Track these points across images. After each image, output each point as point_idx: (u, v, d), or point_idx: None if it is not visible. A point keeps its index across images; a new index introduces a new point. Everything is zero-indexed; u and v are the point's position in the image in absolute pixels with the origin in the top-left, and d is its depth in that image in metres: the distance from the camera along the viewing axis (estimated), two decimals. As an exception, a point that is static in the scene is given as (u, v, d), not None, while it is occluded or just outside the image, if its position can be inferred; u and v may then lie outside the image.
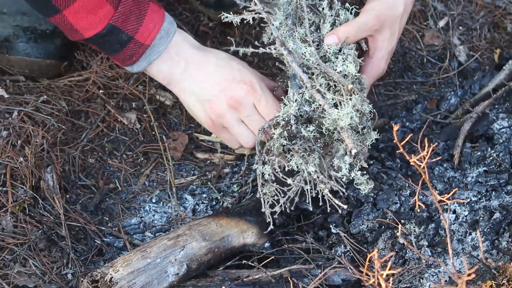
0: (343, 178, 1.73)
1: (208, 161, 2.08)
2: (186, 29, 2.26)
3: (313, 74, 1.73)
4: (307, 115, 1.75)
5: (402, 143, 1.42)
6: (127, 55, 1.72)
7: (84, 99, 2.12)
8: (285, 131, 1.73)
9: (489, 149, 2.00)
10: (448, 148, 2.04)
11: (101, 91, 2.13)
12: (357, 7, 1.81)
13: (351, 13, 1.80)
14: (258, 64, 2.25)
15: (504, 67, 2.19)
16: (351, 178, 1.73)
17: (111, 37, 1.69)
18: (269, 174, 1.74)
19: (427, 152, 1.32)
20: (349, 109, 1.67)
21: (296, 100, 1.73)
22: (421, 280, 1.75)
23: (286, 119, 1.74)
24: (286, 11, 1.77)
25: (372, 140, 1.76)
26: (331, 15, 1.78)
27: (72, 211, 1.91)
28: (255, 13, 1.73)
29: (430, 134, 2.08)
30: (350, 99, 1.68)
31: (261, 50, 1.76)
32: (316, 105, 1.73)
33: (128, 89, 2.14)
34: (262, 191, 1.75)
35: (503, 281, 1.60)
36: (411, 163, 1.35)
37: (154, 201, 2.00)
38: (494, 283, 1.59)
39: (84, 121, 2.10)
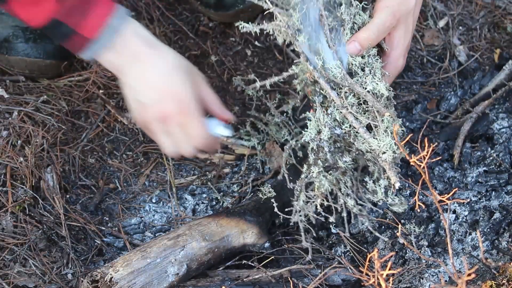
0: (379, 202, 1.70)
1: (208, 161, 2.08)
2: (186, 29, 2.27)
3: (340, 89, 1.66)
4: (338, 138, 1.68)
5: (402, 143, 1.42)
6: (72, 46, 1.73)
7: (84, 99, 2.12)
8: (319, 160, 1.68)
9: (489, 149, 2.00)
10: (448, 148, 2.04)
11: (101, 91, 2.13)
12: (365, 2, 1.78)
13: (363, 11, 1.74)
14: (258, 64, 2.25)
15: (504, 67, 2.19)
16: (387, 201, 1.71)
17: (54, 30, 1.70)
18: (312, 213, 1.72)
19: (427, 152, 1.32)
20: (389, 140, 1.60)
21: (326, 123, 1.67)
22: (421, 280, 1.75)
23: (319, 144, 1.68)
24: (301, 10, 1.69)
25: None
26: (350, 19, 1.71)
27: (72, 211, 1.91)
28: (275, 26, 1.68)
29: (430, 134, 2.08)
30: (382, 121, 1.62)
31: (288, 72, 1.74)
32: (347, 126, 1.66)
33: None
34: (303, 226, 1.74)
35: (503, 281, 1.60)
36: (411, 163, 1.35)
37: (154, 201, 2.00)
38: (494, 283, 1.59)
39: (84, 121, 2.10)
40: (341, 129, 1.67)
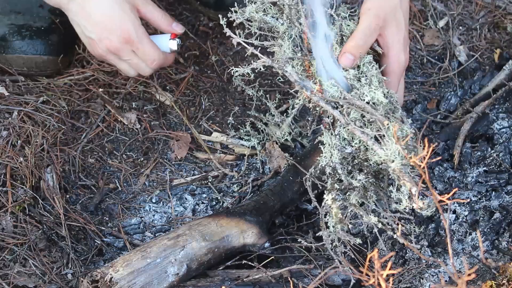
0: (405, 209, 1.67)
1: (208, 161, 2.08)
2: (186, 29, 2.27)
3: (342, 106, 1.64)
4: (351, 156, 1.66)
5: (402, 143, 1.42)
6: None
7: (84, 99, 2.12)
8: (336, 184, 1.65)
9: (489, 149, 2.00)
10: (448, 148, 2.03)
11: (101, 90, 2.13)
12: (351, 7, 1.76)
13: (350, 20, 1.72)
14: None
15: (504, 67, 2.19)
16: (413, 207, 1.67)
17: None
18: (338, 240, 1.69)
19: (427, 152, 1.32)
20: (395, 146, 1.56)
21: (335, 145, 1.65)
22: (421, 280, 1.75)
23: (332, 167, 1.66)
24: (290, 37, 1.69)
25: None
26: (336, 33, 1.70)
27: (72, 211, 1.91)
28: (263, 62, 1.67)
29: (430, 134, 2.08)
30: (388, 129, 1.58)
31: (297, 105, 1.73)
32: (356, 142, 1.64)
33: (128, 89, 2.14)
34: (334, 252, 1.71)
35: (503, 281, 1.60)
36: (411, 163, 1.35)
37: (154, 201, 2.00)
38: (494, 283, 1.59)
39: (84, 121, 2.10)
40: (351, 146, 1.65)
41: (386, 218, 1.63)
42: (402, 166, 1.57)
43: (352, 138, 1.65)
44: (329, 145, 1.67)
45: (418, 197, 1.58)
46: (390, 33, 1.75)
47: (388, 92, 1.67)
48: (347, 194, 1.67)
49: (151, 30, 2.08)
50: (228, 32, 1.70)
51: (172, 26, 1.95)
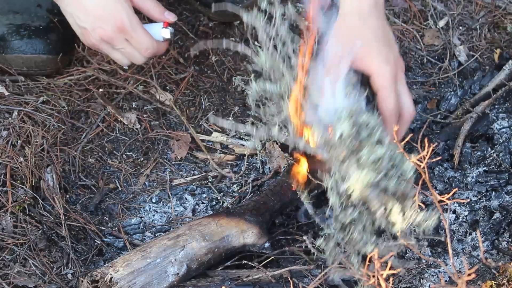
0: (402, 230, 1.67)
1: (208, 161, 2.08)
2: (186, 29, 2.27)
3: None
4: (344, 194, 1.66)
5: (402, 143, 1.42)
6: None
7: (84, 99, 2.12)
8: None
9: (489, 149, 2.00)
10: (448, 148, 2.03)
11: (101, 90, 2.13)
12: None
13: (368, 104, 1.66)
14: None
15: (504, 67, 2.19)
16: (412, 226, 1.65)
17: None
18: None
19: (427, 152, 1.32)
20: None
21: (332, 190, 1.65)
22: (421, 280, 1.75)
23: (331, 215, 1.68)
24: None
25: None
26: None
27: (72, 211, 1.91)
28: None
29: (430, 134, 2.08)
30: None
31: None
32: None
33: (128, 89, 2.14)
34: None
35: (503, 281, 1.60)
36: (411, 163, 1.34)
37: (154, 201, 2.00)
38: (494, 283, 1.59)
39: (84, 121, 2.10)
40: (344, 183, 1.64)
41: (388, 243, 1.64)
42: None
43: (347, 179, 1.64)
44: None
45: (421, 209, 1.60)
46: (370, 63, 1.65)
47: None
48: (345, 234, 1.68)
49: (145, 21, 2.07)
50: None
51: (165, 15, 1.95)
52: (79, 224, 1.89)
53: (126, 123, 2.11)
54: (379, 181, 1.58)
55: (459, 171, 1.97)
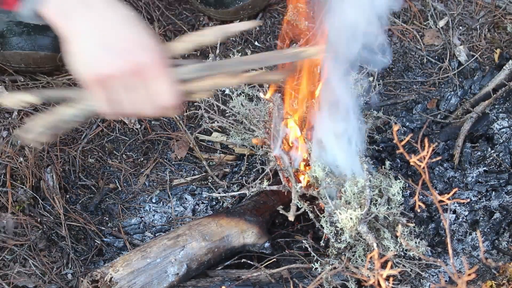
0: (396, 254, 1.70)
1: (208, 161, 2.08)
2: (186, 29, 2.27)
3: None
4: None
5: (402, 143, 1.42)
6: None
7: (84, 99, 2.12)
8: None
9: (489, 149, 2.00)
10: (448, 148, 2.03)
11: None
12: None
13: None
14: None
15: (504, 67, 2.19)
16: (405, 250, 1.72)
17: None
18: None
19: (427, 152, 1.32)
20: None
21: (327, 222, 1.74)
22: (421, 280, 1.75)
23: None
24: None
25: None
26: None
27: (72, 211, 1.91)
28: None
29: (430, 134, 2.08)
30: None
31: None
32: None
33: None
34: None
35: (503, 281, 1.60)
36: (411, 163, 1.35)
37: (154, 201, 2.00)
38: (494, 283, 1.59)
39: (84, 121, 2.10)
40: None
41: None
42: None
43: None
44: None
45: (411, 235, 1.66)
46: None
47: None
48: (343, 254, 1.73)
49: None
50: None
51: None
52: (79, 224, 1.89)
53: (126, 123, 2.11)
54: (367, 212, 1.64)
55: (459, 171, 1.97)
